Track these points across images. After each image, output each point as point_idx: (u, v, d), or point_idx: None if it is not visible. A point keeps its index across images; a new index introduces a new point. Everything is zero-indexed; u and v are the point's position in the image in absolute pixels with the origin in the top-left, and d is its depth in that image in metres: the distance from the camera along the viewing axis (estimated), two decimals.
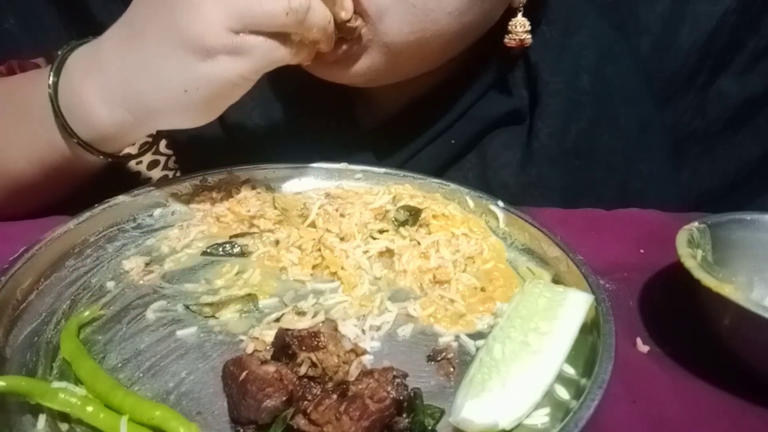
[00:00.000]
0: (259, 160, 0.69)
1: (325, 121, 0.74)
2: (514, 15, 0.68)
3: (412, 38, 0.61)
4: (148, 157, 0.77)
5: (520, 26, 0.68)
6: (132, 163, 0.77)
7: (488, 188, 0.70)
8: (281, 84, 0.74)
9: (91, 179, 0.67)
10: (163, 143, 0.77)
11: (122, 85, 0.56)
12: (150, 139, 0.72)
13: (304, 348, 0.43)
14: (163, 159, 0.79)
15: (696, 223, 0.54)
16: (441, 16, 0.60)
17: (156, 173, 0.78)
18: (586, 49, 0.75)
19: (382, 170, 0.69)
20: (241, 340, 0.48)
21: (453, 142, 0.73)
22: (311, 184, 0.69)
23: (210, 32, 0.51)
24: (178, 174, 0.78)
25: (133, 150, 0.71)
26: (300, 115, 0.75)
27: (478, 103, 0.74)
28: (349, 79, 0.65)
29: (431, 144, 0.74)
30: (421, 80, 0.71)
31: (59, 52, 0.60)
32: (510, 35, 0.68)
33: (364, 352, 0.45)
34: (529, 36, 0.68)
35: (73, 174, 0.65)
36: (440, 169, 0.74)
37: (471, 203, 0.65)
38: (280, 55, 0.54)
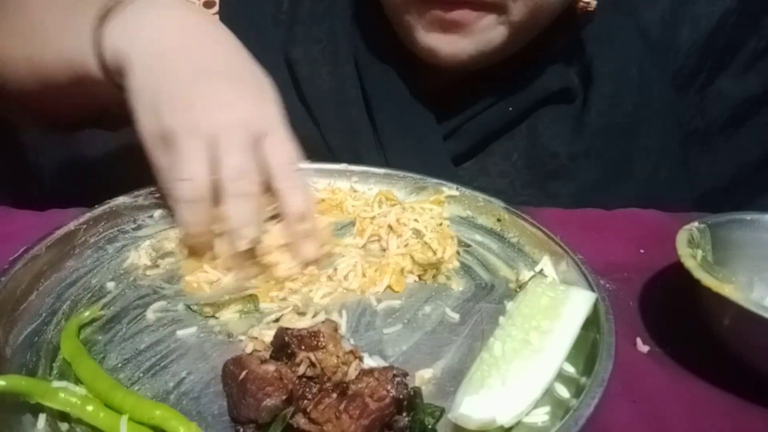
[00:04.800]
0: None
1: (388, 82, 0.77)
2: None
3: (528, 16, 0.68)
4: None
5: None
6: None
7: (537, 158, 0.77)
8: (349, 44, 0.77)
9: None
10: None
11: None
12: None
13: (303, 347, 0.43)
14: None
15: (696, 223, 0.54)
16: None
17: None
18: (633, 45, 0.81)
19: (382, 170, 0.69)
20: (241, 340, 0.48)
21: (510, 109, 0.78)
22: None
23: None
24: None
25: None
26: (366, 76, 0.78)
27: (536, 76, 0.79)
28: (464, 52, 0.70)
29: (490, 109, 0.78)
30: None
31: None
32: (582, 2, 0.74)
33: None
34: (595, 2, 0.74)
35: (93, 94, 0.66)
36: (493, 135, 0.79)
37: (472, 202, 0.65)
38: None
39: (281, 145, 0.54)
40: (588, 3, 0.74)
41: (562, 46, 0.79)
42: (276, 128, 0.55)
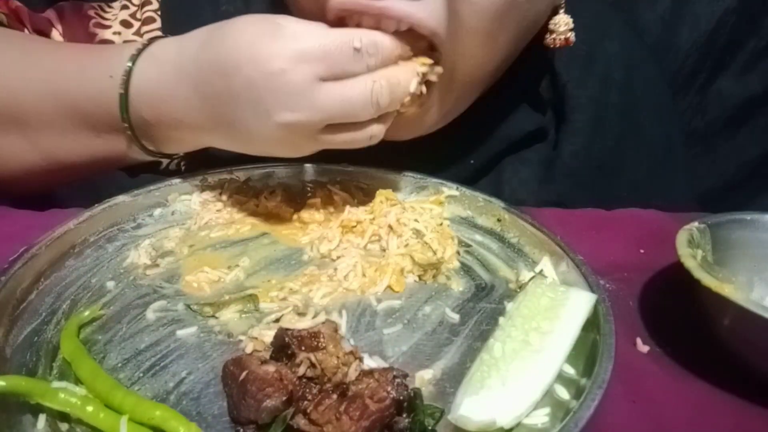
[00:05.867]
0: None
1: None
2: (555, 13, 0.65)
3: (482, 61, 0.61)
4: None
5: (563, 24, 0.64)
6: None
7: None
8: None
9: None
10: None
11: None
12: None
13: (303, 348, 0.43)
14: None
15: (696, 223, 0.54)
16: (504, 34, 0.60)
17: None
18: (614, 60, 0.73)
19: (382, 170, 0.69)
20: (241, 340, 0.48)
21: (472, 162, 0.72)
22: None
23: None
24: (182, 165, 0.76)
25: None
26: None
27: (502, 123, 0.72)
28: (422, 131, 0.66)
29: (452, 166, 0.72)
30: None
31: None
32: (553, 35, 0.65)
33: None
34: (573, 33, 0.65)
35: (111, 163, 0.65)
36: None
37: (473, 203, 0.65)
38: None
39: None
40: (567, 38, 0.65)
41: (531, 82, 0.72)
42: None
